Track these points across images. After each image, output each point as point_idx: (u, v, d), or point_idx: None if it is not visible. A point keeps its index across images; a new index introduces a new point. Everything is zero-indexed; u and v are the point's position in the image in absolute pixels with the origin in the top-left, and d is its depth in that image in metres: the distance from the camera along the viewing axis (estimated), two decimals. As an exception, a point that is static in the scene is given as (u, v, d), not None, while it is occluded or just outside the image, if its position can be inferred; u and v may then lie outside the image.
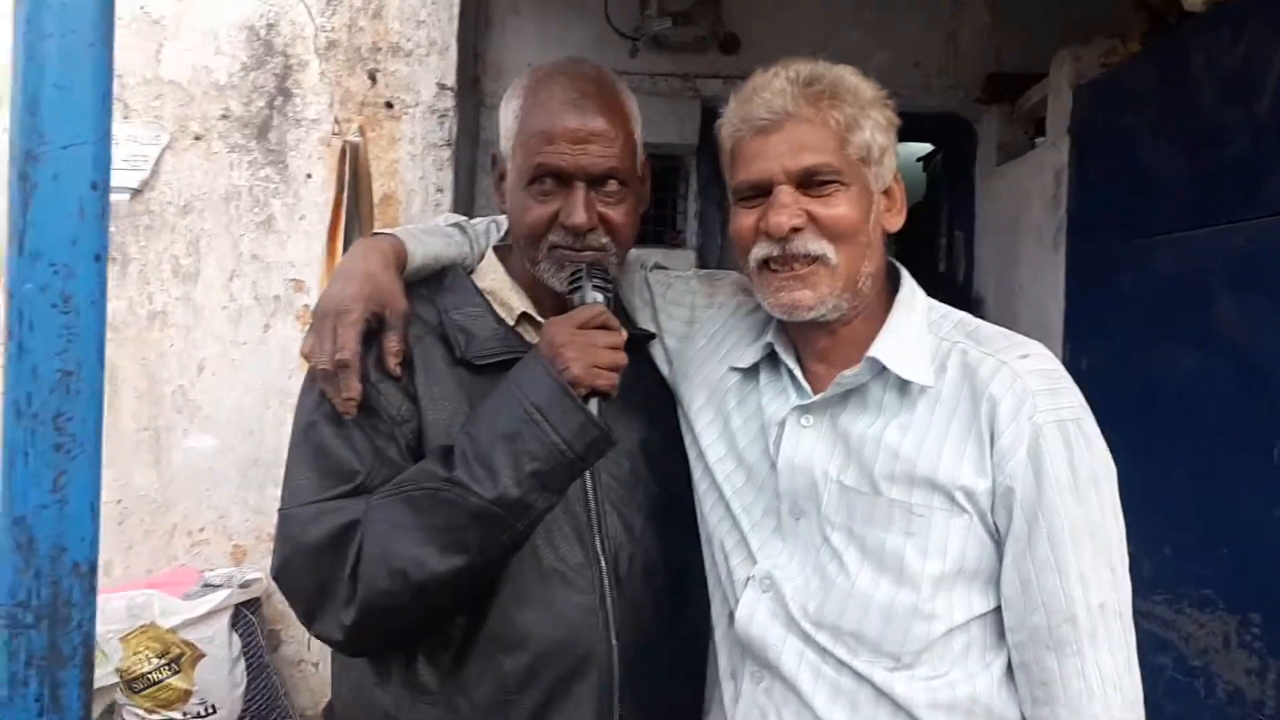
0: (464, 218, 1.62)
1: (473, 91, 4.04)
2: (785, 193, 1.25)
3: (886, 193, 1.32)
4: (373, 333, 1.33)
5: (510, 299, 1.45)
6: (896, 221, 1.33)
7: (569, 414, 1.22)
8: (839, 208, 1.24)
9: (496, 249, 1.53)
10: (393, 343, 1.33)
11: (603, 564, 1.36)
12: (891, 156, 1.30)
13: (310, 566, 1.26)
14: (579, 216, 1.34)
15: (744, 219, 1.30)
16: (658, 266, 1.64)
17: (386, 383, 1.33)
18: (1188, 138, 2.70)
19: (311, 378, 1.34)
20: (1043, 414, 1.18)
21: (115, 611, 3.09)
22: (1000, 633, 1.24)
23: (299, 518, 1.28)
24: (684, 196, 4.41)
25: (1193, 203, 2.68)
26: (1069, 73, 3.39)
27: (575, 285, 1.34)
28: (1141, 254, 2.94)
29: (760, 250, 1.28)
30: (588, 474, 1.35)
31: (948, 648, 1.22)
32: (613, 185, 1.37)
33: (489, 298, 1.45)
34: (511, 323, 1.43)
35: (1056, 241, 3.55)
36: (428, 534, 1.21)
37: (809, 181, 1.25)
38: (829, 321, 1.30)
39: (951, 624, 1.22)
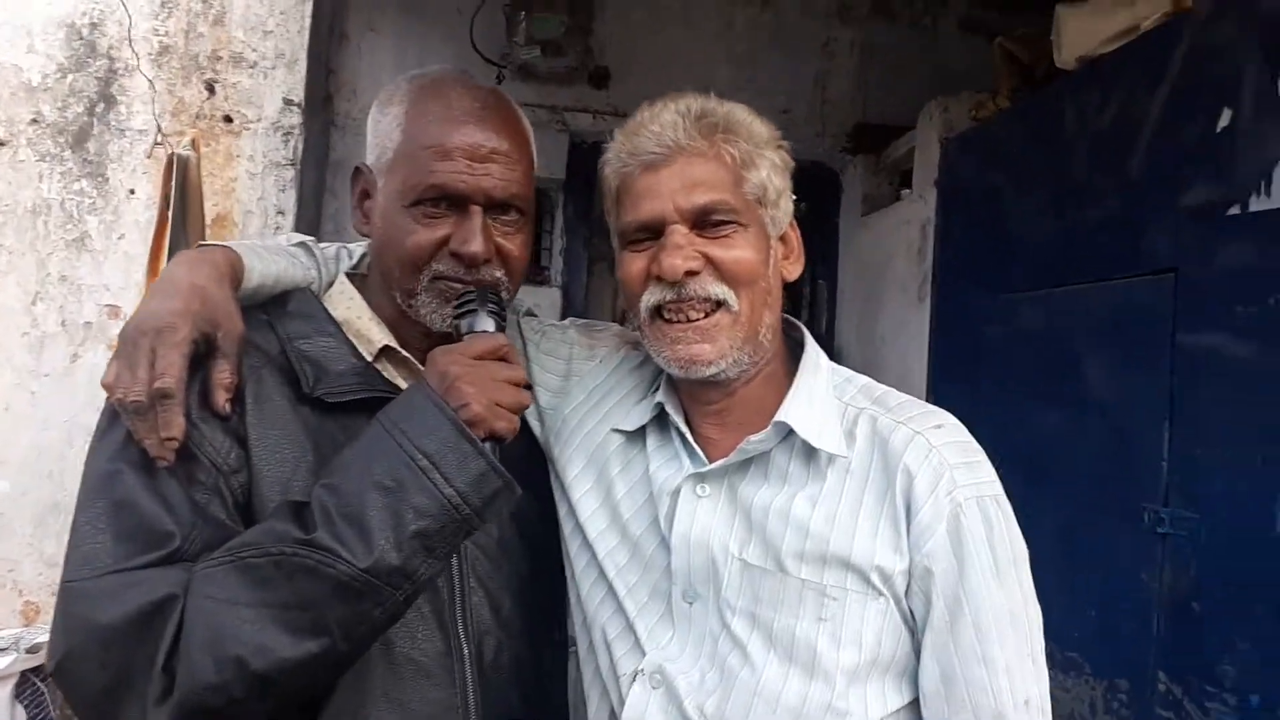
0: (310, 238, 1.39)
1: (323, 109, 3.78)
2: (679, 233, 1.13)
3: (783, 238, 1.22)
4: (197, 360, 1.08)
5: (370, 330, 1.24)
6: (795, 270, 1.23)
7: (466, 461, 1.03)
8: (737, 249, 1.14)
9: (350, 276, 1.32)
10: (224, 373, 1.09)
11: (465, 652, 1.17)
12: (788, 200, 1.21)
13: (104, 656, 0.99)
14: (476, 245, 1.17)
15: (633, 264, 1.17)
16: (529, 313, 1.50)
17: (211, 423, 1.09)
18: (1055, 194, 2.70)
19: (112, 415, 1.08)
20: (962, 490, 1.09)
21: None
22: None
23: (91, 593, 1.00)
24: (549, 232, 4.25)
25: (1058, 260, 2.68)
26: (937, 125, 3.40)
27: (464, 310, 1.16)
28: (1006, 309, 2.93)
29: (652, 296, 1.15)
30: None
31: None
32: (512, 214, 1.22)
33: (343, 328, 1.23)
34: (370, 358, 1.21)
35: (921, 294, 3.54)
36: (274, 611, 0.98)
37: (704, 221, 1.14)
38: (728, 380, 1.18)
39: None
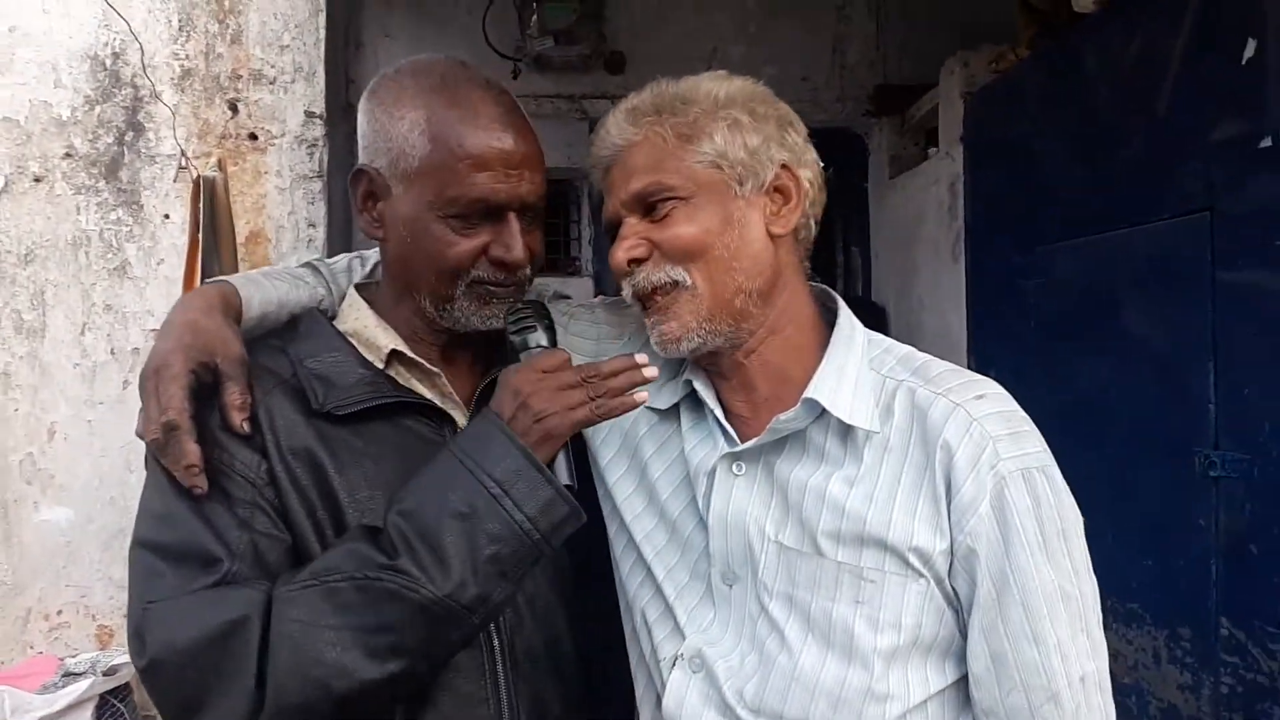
0: (318, 258, 1.41)
1: (344, 119, 3.81)
2: (628, 225, 1.16)
3: (779, 190, 1.17)
4: (208, 389, 1.13)
5: (376, 337, 1.25)
6: (785, 222, 1.17)
7: (536, 488, 1.05)
8: (675, 227, 1.13)
9: (359, 287, 1.34)
10: (234, 395, 1.12)
11: (495, 644, 1.17)
12: (771, 151, 1.15)
13: (180, 676, 1.03)
14: (519, 252, 1.19)
15: (612, 256, 1.21)
16: (558, 295, 1.49)
17: (237, 442, 1.13)
18: (1082, 141, 2.66)
19: (152, 458, 1.12)
20: (1005, 463, 1.04)
21: (-41, 713, 2.75)
22: (959, 710, 1.10)
23: (164, 615, 1.05)
24: (576, 222, 4.27)
25: (1090, 207, 2.63)
26: (959, 80, 3.36)
27: (521, 327, 1.18)
28: (1042, 260, 2.89)
29: (625, 288, 1.19)
30: None
31: None
32: (534, 212, 1.24)
33: (351, 340, 1.25)
34: (381, 365, 1.23)
35: (955, 252, 3.50)
36: (356, 634, 1.02)
37: (645, 207, 1.15)
38: (722, 351, 1.16)
39: (908, 705, 1.07)
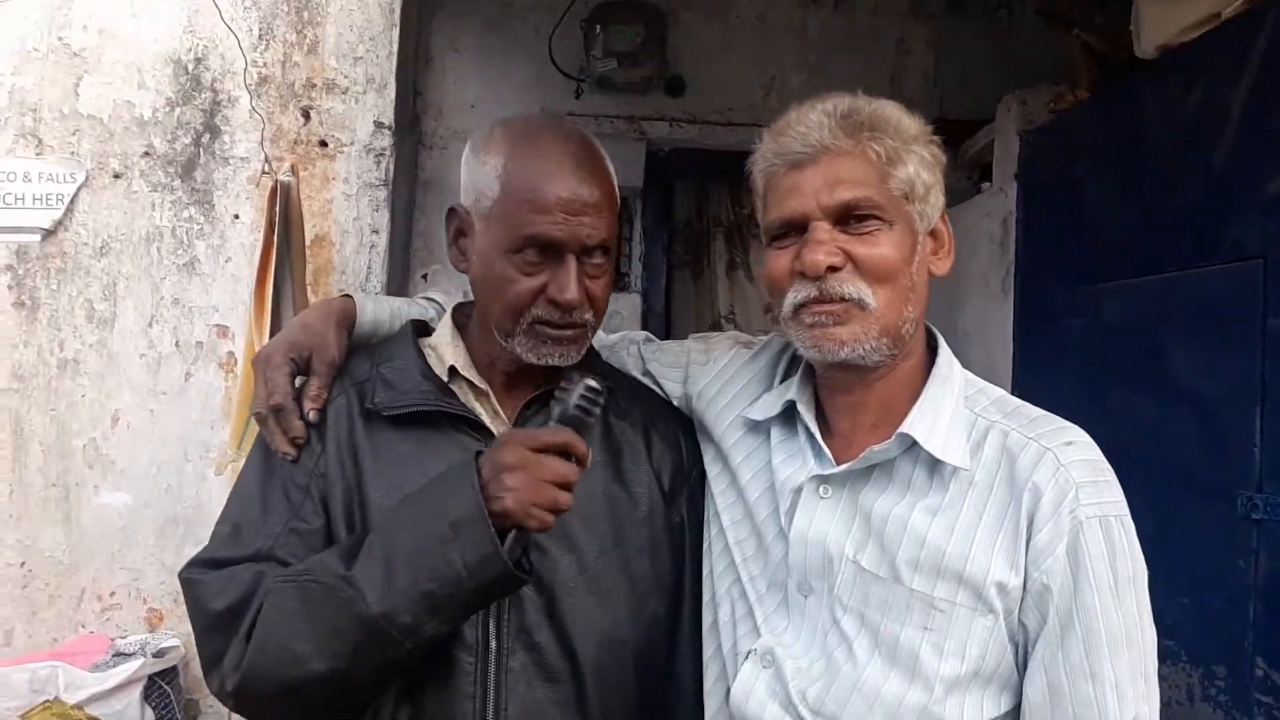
0: (440, 294, 1.56)
1: (411, 131, 3.92)
2: (822, 229, 1.15)
3: (933, 233, 1.22)
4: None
5: (445, 353, 1.35)
6: (944, 265, 1.23)
7: (480, 543, 1.10)
8: (880, 247, 1.15)
9: (457, 308, 1.45)
10: (312, 388, 1.31)
11: (492, 647, 1.23)
12: (938, 194, 1.21)
13: (207, 636, 1.23)
14: (572, 293, 1.25)
15: (777, 261, 1.20)
16: (648, 340, 1.57)
17: (311, 433, 1.31)
18: (1137, 184, 2.69)
19: (258, 443, 1.34)
20: (1085, 508, 1.09)
21: (16, 685, 2.85)
22: None
23: (208, 582, 1.23)
24: (628, 239, 4.33)
25: (1142, 249, 2.66)
26: (1016, 118, 3.39)
27: (565, 395, 1.17)
28: (1090, 300, 2.92)
29: (796, 294, 1.18)
30: None
31: None
32: (599, 256, 1.28)
33: (429, 350, 1.36)
34: (445, 377, 1.33)
35: (1005, 286, 3.53)
36: (311, 628, 1.14)
37: (847, 218, 1.15)
38: (867, 369, 1.19)
39: None
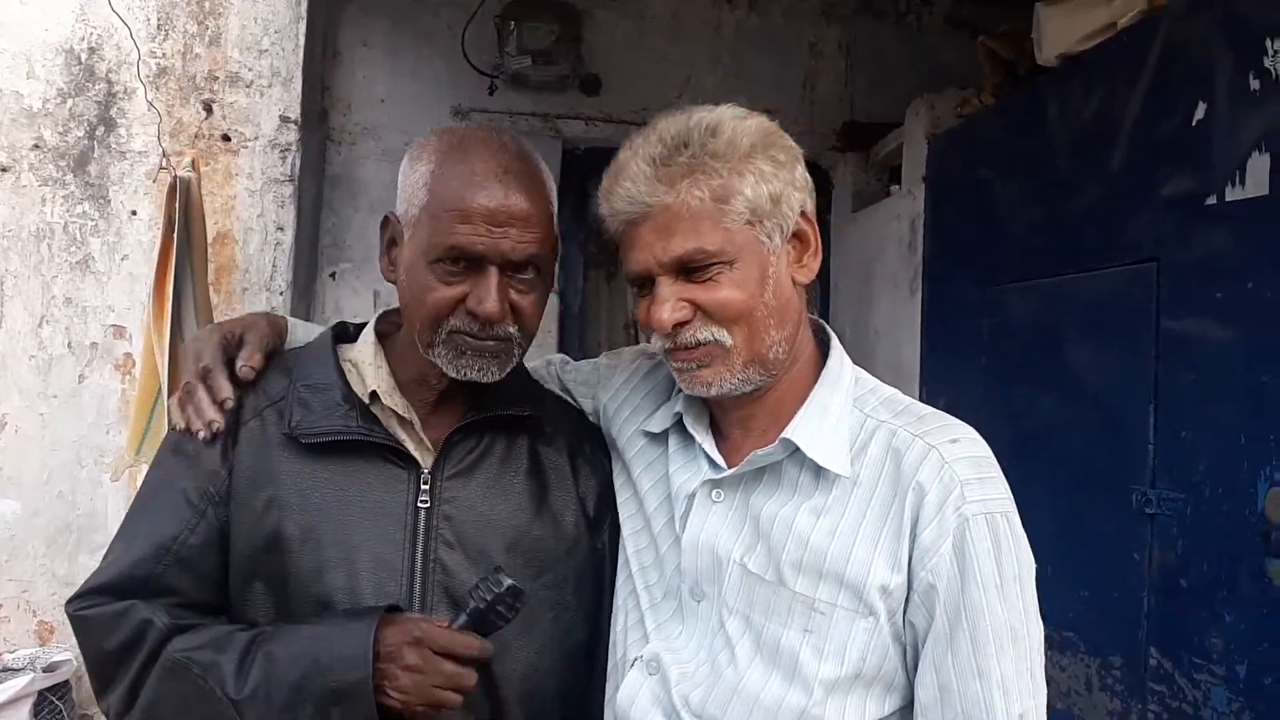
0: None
1: (319, 126, 3.83)
2: (664, 285, 1.15)
3: (797, 235, 1.19)
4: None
5: (366, 374, 1.29)
6: (809, 271, 1.21)
7: (360, 705, 1.11)
8: (723, 290, 1.13)
9: (380, 318, 1.39)
10: (245, 353, 1.29)
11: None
12: (792, 196, 1.17)
13: (100, 666, 1.22)
14: (490, 305, 1.19)
15: (641, 308, 1.21)
16: (565, 361, 1.55)
17: (208, 454, 1.24)
18: (1038, 188, 2.77)
19: (156, 457, 1.30)
20: (970, 505, 1.09)
21: (-107, 705, 2.70)
22: None
23: (99, 619, 1.20)
24: (543, 239, 4.29)
25: (1043, 251, 2.74)
26: (924, 121, 3.46)
27: (481, 591, 1.14)
28: (995, 299, 2.99)
29: (659, 341, 1.19)
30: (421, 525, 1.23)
31: None
32: (529, 272, 1.23)
33: (350, 367, 1.30)
34: (366, 399, 1.27)
35: (913, 286, 3.60)
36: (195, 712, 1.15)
37: (686, 269, 1.14)
38: (745, 394, 1.20)
39: None
